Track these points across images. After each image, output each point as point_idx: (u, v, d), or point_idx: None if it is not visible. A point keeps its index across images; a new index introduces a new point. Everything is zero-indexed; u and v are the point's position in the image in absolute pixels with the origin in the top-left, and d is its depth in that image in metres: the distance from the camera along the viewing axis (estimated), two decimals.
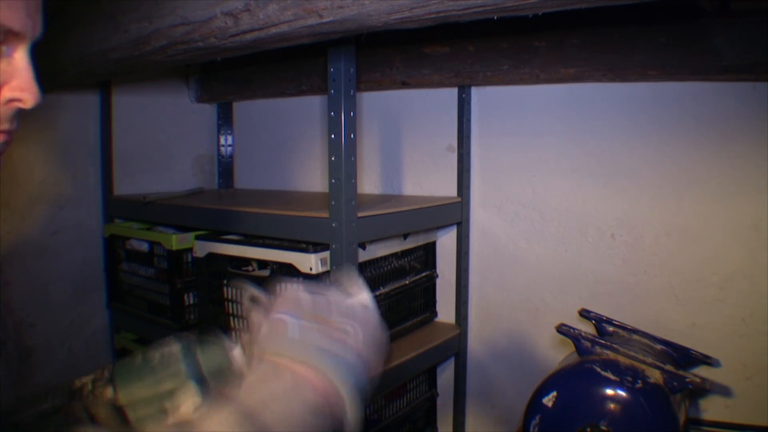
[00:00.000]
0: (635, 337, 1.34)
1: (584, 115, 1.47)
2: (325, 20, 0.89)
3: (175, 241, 1.58)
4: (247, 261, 1.45)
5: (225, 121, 2.12)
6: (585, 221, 1.49)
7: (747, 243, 1.30)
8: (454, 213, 1.63)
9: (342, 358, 0.56)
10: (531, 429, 1.18)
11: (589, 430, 1.11)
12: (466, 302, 1.69)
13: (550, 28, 1.33)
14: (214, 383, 0.55)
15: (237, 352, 0.57)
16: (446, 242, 1.70)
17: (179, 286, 1.62)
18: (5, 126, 0.54)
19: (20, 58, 0.53)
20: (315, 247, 1.30)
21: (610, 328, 1.37)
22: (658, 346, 1.31)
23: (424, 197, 1.66)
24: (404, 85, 1.56)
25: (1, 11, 0.49)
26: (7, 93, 0.53)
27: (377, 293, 1.46)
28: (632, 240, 1.43)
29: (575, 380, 1.16)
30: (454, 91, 1.62)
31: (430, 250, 1.68)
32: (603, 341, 1.20)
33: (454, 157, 1.66)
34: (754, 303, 1.29)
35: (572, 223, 1.51)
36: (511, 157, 1.59)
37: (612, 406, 1.11)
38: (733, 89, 1.28)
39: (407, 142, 1.76)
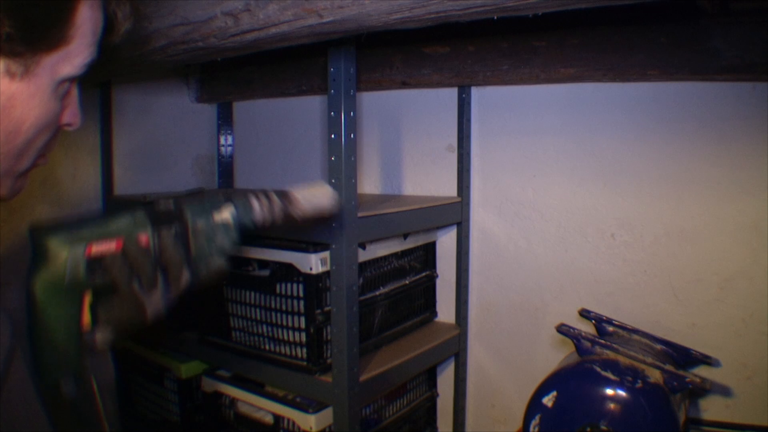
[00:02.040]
0: (635, 337, 1.34)
1: (584, 115, 1.47)
2: (325, 20, 0.89)
3: None
4: (247, 261, 1.46)
5: (225, 121, 2.12)
6: (585, 221, 1.49)
7: (747, 243, 1.30)
8: (454, 213, 1.63)
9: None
10: (531, 429, 1.18)
11: (589, 429, 1.11)
12: (466, 302, 1.69)
13: (550, 28, 1.33)
14: None
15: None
16: (446, 242, 1.70)
17: None
18: (53, 145, 0.68)
19: (74, 90, 0.67)
20: (315, 246, 1.30)
21: (610, 328, 1.37)
22: (658, 346, 1.31)
23: (424, 197, 1.66)
24: (404, 85, 1.56)
25: (67, 67, 0.63)
26: (64, 119, 0.67)
27: (377, 293, 1.46)
28: (632, 240, 1.43)
29: (575, 380, 1.16)
30: (454, 91, 1.62)
31: (430, 250, 1.68)
32: (603, 341, 1.20)
33: (454, 157, 1.66)
34: (754, 303, 1.29)
35: (572, 223, 1.51)
36: (511, 157, 1.59)
37: (612, 406, 1.11)
38: (733, 89, 1.28)
39: (407, 142, 1.76)
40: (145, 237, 0.67)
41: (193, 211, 0.72)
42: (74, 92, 0.68)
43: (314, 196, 0.76)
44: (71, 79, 0.66)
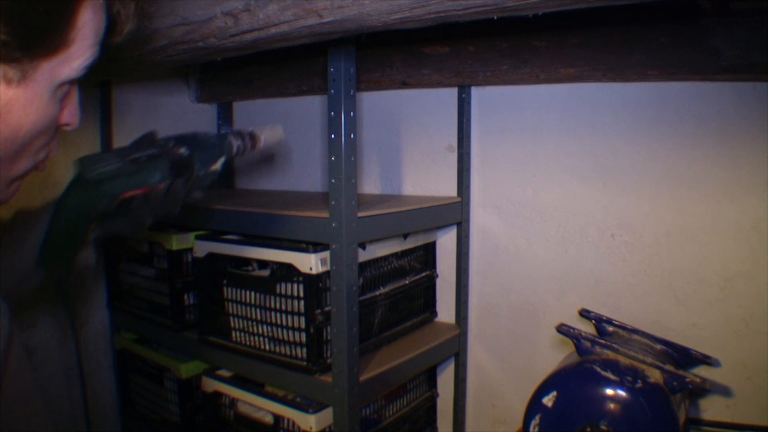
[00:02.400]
0: (635, 337, 1.34)
1: (584, 115, 1.47)
2: (325, 20, 0.89)
3: (175, 241, 1.58)
4: (247, 261, 1.46)
5: (225, 121, 2.12)
6: (585, 221, 1.49)
7: (747, 243, 1.30)
8: (454, 213, 1.63)
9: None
10: (531, 429, 1.18)
11: (589, 430, 1.11)
12: (466, 302, 1.69)
13: (550, 28, 1.33)
14: None
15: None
16: (446, 242, 1.70)
17: (179, 286, 1.62)
18: (54, 144, 0.70)
19: (74, 91, 0.68)
20: (315, 247, 1.30)
21: (610, 328, 1.37)
22: (658, 346, 1.31)
23: (424, 197, 1.66)
24: (404, 85, 1.56)
25: (67, 70, 0.62)
26: (62, 119, 0.67)
27: (377, 293, 1.46)
28: (632, 240, 1.43)
29: (575, 380, 1.16)
30: (454, 91, 1.62)
31: (430, 250, 1.68)
32: (603, 341, 1.20)
33: (454, 157, 1.66)
34: (754, 303, 1.29)
35: (572, 223, 1.51)
36: (511, 156, 1.59)
37: (612, 405, 1.11)
38: (733, 89, 1.28)
39: (407, 142, 1.76)
40: (163, 185, 0.88)
41: (200, 162, 0.93)
42: (74, 92, 0.68)
43: (271, 133, 1.07)
44: (71, 81, 0.65)
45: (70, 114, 0.68)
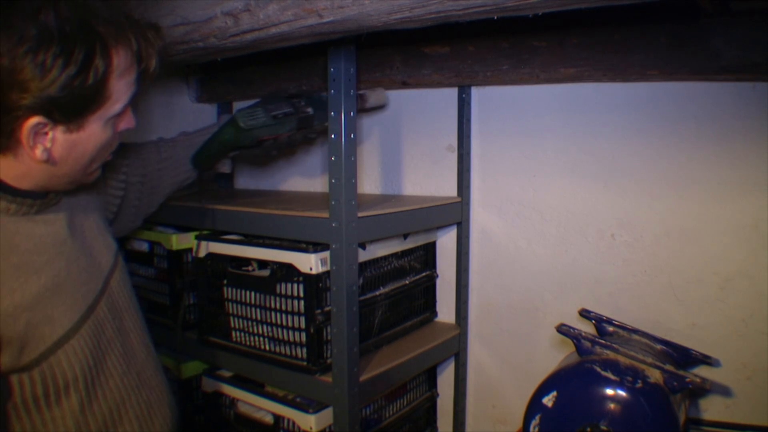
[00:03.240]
0: (635, 337, 1.34)
1: (584, 115, 1.47)
2: (325, 20, 0.89)
3: (175, 241, 1.58)
4: (247, 261, 1.46)
5: None
6: (585, 221, 1.49)
7: (747, 243, 1.30)
8: (454, 213, 1.63)
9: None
10: (531, 429, 1.18)
11: (589, 430, 1.11)
12: (466, 302, 1.69)
13: (550, 28, 1.33)
14: None
15: None
16: (446, 242, 1.70)
17: (179, 286, 1.62)
18: (117, 145, 1.00)
19: (126, 110, 0.94)
20: (315, 247, 1.30)
21: (610, 328, 1.37)
22: (658, 346, 1.31)
23: (424, 197, 1.66)
24: (404, 85, 1.56)
25: (111, 111, 0.90)
26: (121, 127, 0.96)
27: (377, 293, 1.46)
28: (632, 240, 1.43)
29: (575, 380, 1.16)
30: (454, 91, 1.62)
31: (430, 250, 1.68)
32: (603, 341, 1.20)
33: (454, 157, 1.66)
34: (754, 303, 1.29)
35: (572, 223, 1.51)
36: (511, 157, 1.59)
37: (612, 406, 1.11)
38: (733, 89, 1.28)
39: (407, 142, 1.76)
40: (289, 134, 1.30)
41: (318, 119, 1.32)
42: (126, 110, 0.95)
43: (376, 96, 1.46)
44: (121, 113, 0.92)
45: (126, 122, 0.96)
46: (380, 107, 1.46)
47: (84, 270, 0.98)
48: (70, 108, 0.82)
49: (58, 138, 0.85)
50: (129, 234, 1.68)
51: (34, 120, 0.81)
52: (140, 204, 1.32)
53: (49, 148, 0.85)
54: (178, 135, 1.42)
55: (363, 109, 1.43)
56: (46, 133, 0.84)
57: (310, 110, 1.31)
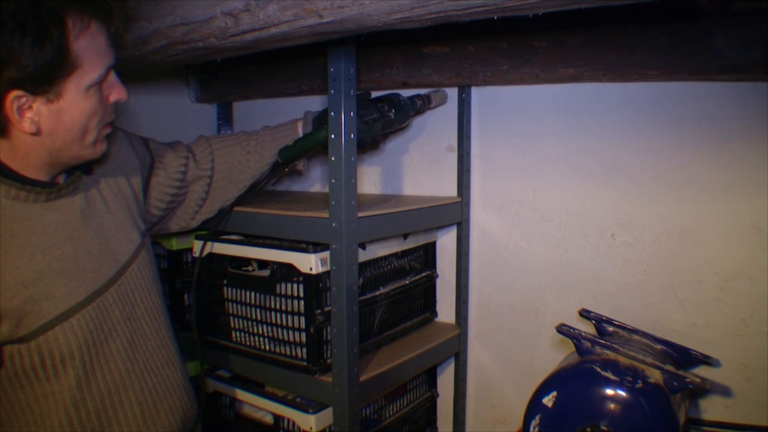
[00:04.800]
0: (635, 337, 1.34)
1: (584, 115, 1.47)
2: (325, 20, 0.89)
3: (175, 241, 1.58)
4: (247, 261, 1.46)
5: (225, 121, 2.12)
6: (585, 221, 1.49)
7: (747, 243, 1.30)
8: (454, 213, 1.63)
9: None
10: (531, 429, 1.18)
11: (589, 430, 1.11)
12: (466, 302, 1.69)
13: (550, 28, 1.33)
14: None
15: None
16: (446, 242, 1.70)
17: (179, 286, 1.62)
18: (112, 117, 1.02)
19: (111, 77, 0.98)
20: (315, 247, 1.30)
21: (610, 328, 1.38)
22: (658, 346, 1.31)
23: (424, 197, 1.66)
24: (404, 85, 1.56)
25: (87, 78, 0.92)
26: (112, 98, 0.99)
27: (377, 293, 1.46)
28: (632, 240, 1.43)
29: (575, 380, 1.16)
30: (454, 91, 1.62)
31: (430, 250, 1.68)
32: (603, 341, 1.20)
33: (454, 157, 1.66)
34: (754, 303, 1.29)
35: (572, 223, 1.51)
36: (511, 157, 1.59)
37: (612, 406, 1.11)
38: (733, 89, 1.28)
39: (407, 142, 1.76)
40: (372, 136, 1.37)
41: (398, 121, 1.43)
42: (111, 79, 0.97)
43: (439, 96, 1.59)
44: (100, 80, 0.94)
45: (117, 93, 0.99)
46: (441, 105, 1.61)
47: (95, 257, 1.03)
48: (39, 77, 0.86)
49: (41, 110, 0.90)
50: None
51: (13, 94, 0.86)
52: (215, 194, 1.38)
53: (36, 121, 0.90)
54: (261, 129, 1.47)
55: (428, 109, 1.56)
56: (30, 107, 0.89)
57: (392, 114, 1.40)
